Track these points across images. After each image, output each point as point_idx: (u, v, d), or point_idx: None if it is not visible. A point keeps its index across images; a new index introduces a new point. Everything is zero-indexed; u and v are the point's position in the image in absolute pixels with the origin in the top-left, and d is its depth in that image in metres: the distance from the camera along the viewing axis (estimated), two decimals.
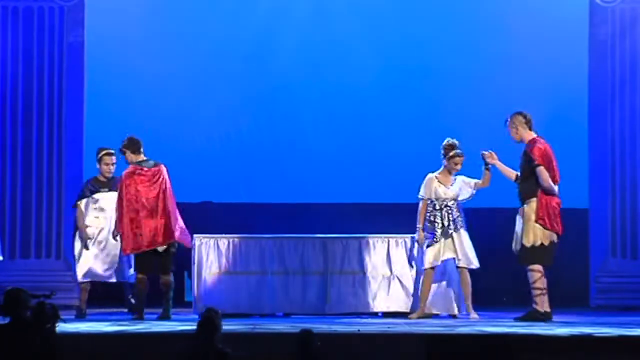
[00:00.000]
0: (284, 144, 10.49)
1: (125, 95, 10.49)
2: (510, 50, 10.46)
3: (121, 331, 7.35)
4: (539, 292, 8.29)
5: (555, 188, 8.36)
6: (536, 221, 8.28)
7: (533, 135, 8.47)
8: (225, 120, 10.64)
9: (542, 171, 8.29)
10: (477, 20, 10.59)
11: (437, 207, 8.70)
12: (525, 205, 8.38)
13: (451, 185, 8.78)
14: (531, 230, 8.30)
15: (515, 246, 8.45)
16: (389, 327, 7.68)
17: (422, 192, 8.76)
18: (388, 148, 10.57)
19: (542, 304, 8.29)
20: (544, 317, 8.25)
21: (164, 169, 8.61)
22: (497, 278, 9.78)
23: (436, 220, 8.67)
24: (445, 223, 8.65)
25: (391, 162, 10.47)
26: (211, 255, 8.92)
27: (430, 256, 8.65)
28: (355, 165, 10.30)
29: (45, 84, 10.41)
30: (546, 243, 8.31)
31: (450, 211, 8.69)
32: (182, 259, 8.95)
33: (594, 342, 6.84)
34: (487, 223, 9.48)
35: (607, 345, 6.70)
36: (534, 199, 8.32)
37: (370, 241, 8.98)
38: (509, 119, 8.53)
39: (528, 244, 8.31)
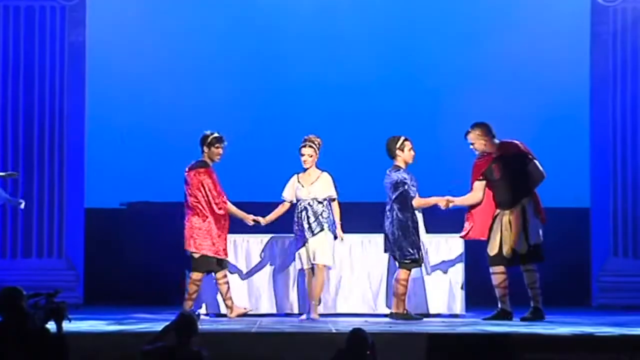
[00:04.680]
0: (287, 143, 10.47)
1: (127, 95, 10.50)
2: (511, 49, 10.43)
3: (123, 330, 7.35)
4: (539, 290, 8.28)
5: None
6: (538, 217, 8.29)
7: (496, 141, 8.44)
8: (228, 119, 10.60)
9: (537, 164, 8.31)
10: (479, 19, 10.57)
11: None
12: (518, 206, 8.30)
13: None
14: (533, 228, 8.27)
15: (518, 248, 8.30)
16: (390, 326, 7.68)
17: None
18: None
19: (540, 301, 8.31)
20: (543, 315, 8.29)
21: None
22: None
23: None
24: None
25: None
26: None
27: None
28: (358, 164, 10.30)
29: (47, 83, 10.41)
30: (541, 238, 8.34)
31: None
32: (184, 258, 8.94)
33: (596, 341, 6.84)
34: None
35: (608, 344, 6.70)
36: (528, 197, 8.30)
37: (372, 240, 8.96)
38: (470, 131, 8.47)
39: (532, 242, 8.27)
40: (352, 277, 8.96)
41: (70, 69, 10.44)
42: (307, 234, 8.36)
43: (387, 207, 8.49)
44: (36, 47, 10.40)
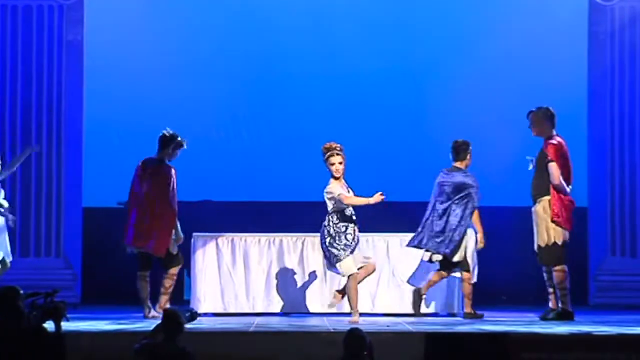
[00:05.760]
0: (283, 142, 10.49)
1: (125, 94, 10.49)
2: (508, 48, 10.45)
3: (120, 329, 7.35)
4: (566, 291, 8.25)
5: (568, 188, 8.25)
6: (552, 219, 8.19)
7: (553, 132, 8.36)
8: (225, 117, 10.65)
9: (554, 168, 8.15)
10: (477, 18, 10.57)
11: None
12: (537, 204, 8.29)
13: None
14: (545, 229, 8.23)
15: (535, 246, 8.35)
16: (388, 326, 7.69)
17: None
18: (390, 146, 10.57)
19: (569, 304, 8.27)
20: (572, 316, 8.25)
21: None
22: (497, 277, 9.76)
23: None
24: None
25: (391, 161, 10.47)
26: (210, 253, 8.92)
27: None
28: (356, 163, 10.30)
29: (45, 82, 10.42)
30: (560, 242, 8.22)
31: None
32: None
33: (593, 340, 6.84)
34: (487, 221, 9.45)
35: (606, 343, 6.70)
36: (547, 197, 8.22)
37: (371, 239, 8.97)
38: (533, 112, 8.40)
39: (543, 244, 8.25)
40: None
41: (68, 68, 10.44)
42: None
43: (442, 206, 8.57)
44: (34, 46, 10.40)
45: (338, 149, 8.09)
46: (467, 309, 8.62)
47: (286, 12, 10.63)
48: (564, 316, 8.22)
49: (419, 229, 8.66)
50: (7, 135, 10.37)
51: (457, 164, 8.63)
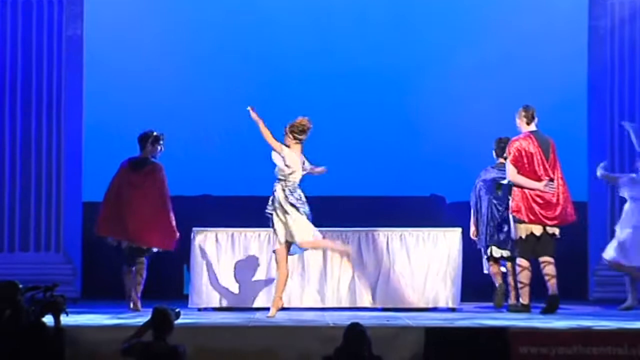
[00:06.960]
0: (281, 137, 10.46)
1: (124, 88, 10.49)
2: (509, 44, 10.43)
3: (120, 324, 7.35)
4: (520, 285, 8.54)
5: (539, 183, 8.41)
6: (512, 214, 8.51)
7: (529, 129, 8.56)
8: (225, 112, 10.63)
9: (507, 164, 8.47)
10: (476, 14, 10.56)
11: None
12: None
13: None
14: (512, 224, 8.56)
15: None
16: (387, 320, 7.69)
17: None
18: (389, 142, 10.55)
19: (524, 297, 8.52)
20: (524, 309, 8.48)
21: None
22: None
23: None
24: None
25: (392, 157, 10.46)
26: (210, 248, 8.92)
27: None
28: (355, 158, 10.32)
29: (44, 78, 10.41)
30: (524, 236, 8.45)
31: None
32: (181, 252, 8.95)
33: (593, 335, 6.85)
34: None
35: (606, 338, 6.71)
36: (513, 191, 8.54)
37: (370, 234, 8.96)
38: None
39: (514, 237, 8.55)
40: (350, 271, 8.95)
41: (67, 63, 10.44)
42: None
43: (500, 201, 8.77)
44: (34, 40, 10.40)
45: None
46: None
47: (285, 12, 10.61)
48: (518, 309, 8.54)
49: (487, 231, 8.84)
50: (7, 129, 10.36)
51: (502, 160, 8.83)
